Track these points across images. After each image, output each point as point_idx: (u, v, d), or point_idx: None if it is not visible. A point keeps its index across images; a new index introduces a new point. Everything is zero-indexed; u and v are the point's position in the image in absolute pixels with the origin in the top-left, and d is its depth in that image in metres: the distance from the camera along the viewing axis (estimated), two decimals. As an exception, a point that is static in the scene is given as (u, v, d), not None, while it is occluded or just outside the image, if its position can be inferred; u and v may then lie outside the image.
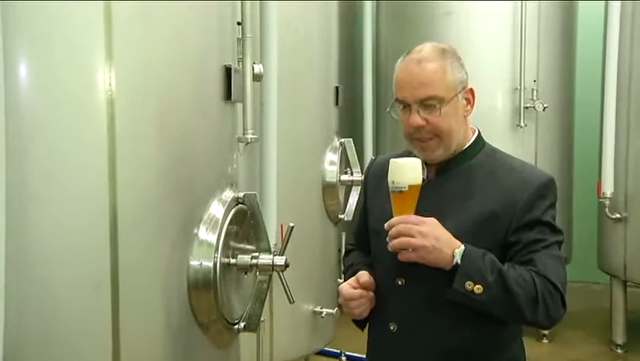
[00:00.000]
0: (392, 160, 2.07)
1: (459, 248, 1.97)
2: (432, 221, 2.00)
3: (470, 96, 2.17)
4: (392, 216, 2.04)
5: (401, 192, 2.02)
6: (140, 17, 1.73)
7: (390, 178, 2.04)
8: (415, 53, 2.13)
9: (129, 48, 1.69)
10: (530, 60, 5.04)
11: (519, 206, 2.06)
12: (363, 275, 2.19)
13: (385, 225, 2.02)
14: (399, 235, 1.98)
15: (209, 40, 2.10)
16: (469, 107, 2.17)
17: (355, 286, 2.18)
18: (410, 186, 2.02)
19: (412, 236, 1.96)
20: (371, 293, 2.19)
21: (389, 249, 2.01)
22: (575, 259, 5.63)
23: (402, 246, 1.98)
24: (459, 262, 1.96)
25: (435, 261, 1.98)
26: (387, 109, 2.20)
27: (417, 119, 2.08)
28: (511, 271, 2.00)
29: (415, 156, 2.15)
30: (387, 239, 2.01)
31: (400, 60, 2.17)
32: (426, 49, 2.13)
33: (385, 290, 2.18)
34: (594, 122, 5.47)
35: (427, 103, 2.07)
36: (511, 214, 2.06)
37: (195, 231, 1.98)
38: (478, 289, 1.95)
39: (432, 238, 1.96)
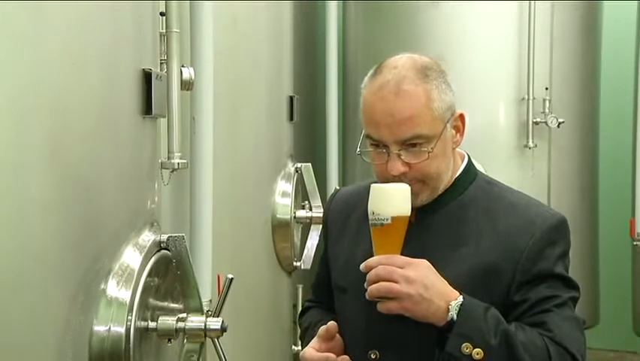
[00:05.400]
0: (373, 185, 2.10)
1: (455, 300, 1.99)
2: (421, 263, 2.02)
3: (460, 123, 2.20)
4: (368, 258, 2.06)
5: (382, 225, 2.04)
6: (22, 4, 1.70)
7: (370, 208, 2.07)
8: (387, 72, 2.12)
9: (6, 46, 1.66)
10: (541, 63, 5.10)
11: (524, 255, 2.10)
12: (329, 326, 2.20)
13: (362, 266, 2.04)
14: (378, 279, 1.99)
15: (121, 36, 2.11)
16: (458, 136, 2.21)
17: (320, 347, 2.20)
18: (395, 219, 2.04)
19: (395, 281, 1.98)
20: (346, 358, 2.19)
21: (366, 297, 2.03)
22: (604, 320, 5.66)
23: (380, 293, 2.00)
24: (454, 318, 1.98)
25: (423, 315, 1.99)
26: (357, 150, 2.20)
27: (398, 165, 2.09)
28: (520, 334, 2.02)
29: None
30: (365, 284, 2.03)
31: (367, 79, 2.16)
32: (402, 66, 2.12)
33: None
34: (624, 142, 5.53)
35: (411, 143, 2.08)
36: (514, 266, 2.10)
37: (102, 286, 1.97)
38: (477, 354, 1.97)
39: (419, 285, 1.97)
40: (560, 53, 5.22)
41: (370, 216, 2.07)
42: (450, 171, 2.19)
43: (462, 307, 1.98)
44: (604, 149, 5.79)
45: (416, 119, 2.06)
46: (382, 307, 2.01)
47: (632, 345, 6.17)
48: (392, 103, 2.06)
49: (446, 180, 2.19)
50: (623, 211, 5.43)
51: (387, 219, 2.03)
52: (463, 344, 1.97)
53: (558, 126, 5.08)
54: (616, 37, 5.91)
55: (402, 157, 2.08)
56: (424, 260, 2.03)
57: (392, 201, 2.06)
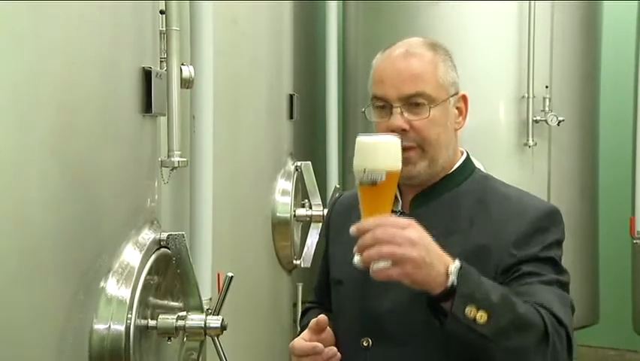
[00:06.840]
0: (360, 138, 1.97)
1: (453, 264, 1.89)
2: (417, 225, 1.89)
3: (462, 105, 2.24)
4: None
5: (375, 183, 1.89)
6: (22, 2, 1.70)
7: (358, 164, 1.93)
8: (398, 46, 2.22)
9: (6, 43, 1.66)
10: (541, 61, 5.10)
11: (512, 239, 2.09)
12: (319, 318, 2.18)
13: (352, 229, 1.88)
14: (376, 242, 1.85)
15: (121, 34, 2.10)
16: (460, 118, 2.24)
17: (310, 339, 2.19)
18: (388, 174, 1.90)
19: (397, 244, 1.83)
20: (334, 349, 2.18)
21: (355, 263, 1.89)
22: (604, 318, 5.65)
23: (382, 256, 1.84)
24: (455, 281, 1.87)
25: (423, 280, 1.86)
26: (363, 109, 2.24)
27: (399, 120, 2.12)
28: (515, 297, 1.97)
29: None
30: (355, 249, 1.88)
31: (378, 56, 2.25)
32: (413, 41, 2.23)
33: (348, 354, 2.20)
34: (624, 140, 5.53)
35: (414, 101, 2.12)
36: (503, 250, 2.08)
37: (102, 284, 1.97)
38: (481, 317, 1.87)
39: (422, 248, 1.84)
40: (560, 52, 5.22)
41: (360, 175, 1.90)
42: (450, 152, 2.21)
43: (461, 271, 1.88)
44: (604, 147, 5.79)
45: (420, 78, 2.13)
46: (380, 274, 1.85)
47: (632, 343, 6.16)
48: (400, 64, 2.16)
49: (445, 157, 2.19)
50: (623, 209, 5.42)
51: (380, 176, 1.88)
52: (467, 307, 1.86)
53: (558, 124, 5.08)
54: (616, 36, 5.91)
55: (403, 114, 2.12)
56: (414, 221, 1.90)
57: (385, 154, 1.92)
